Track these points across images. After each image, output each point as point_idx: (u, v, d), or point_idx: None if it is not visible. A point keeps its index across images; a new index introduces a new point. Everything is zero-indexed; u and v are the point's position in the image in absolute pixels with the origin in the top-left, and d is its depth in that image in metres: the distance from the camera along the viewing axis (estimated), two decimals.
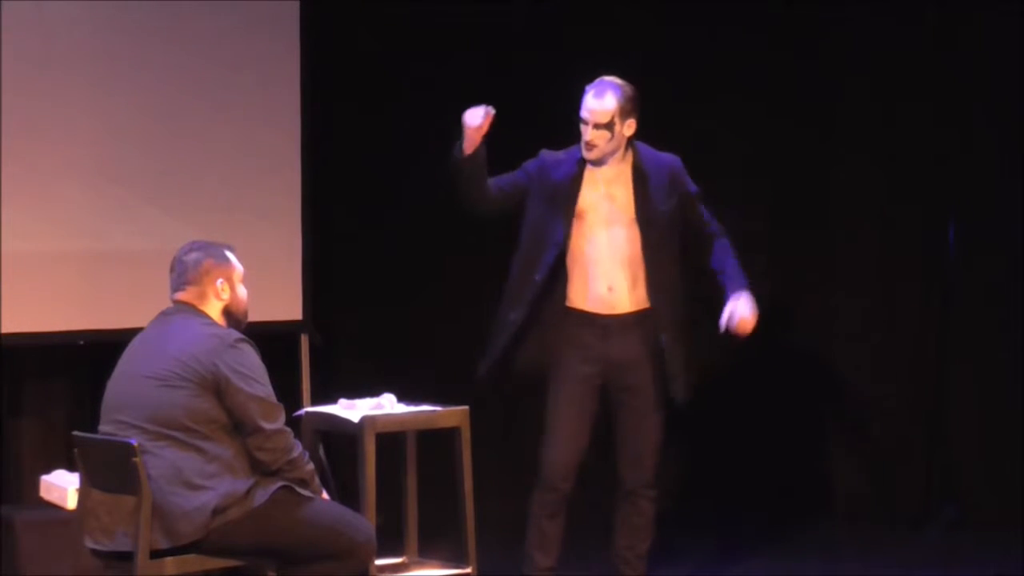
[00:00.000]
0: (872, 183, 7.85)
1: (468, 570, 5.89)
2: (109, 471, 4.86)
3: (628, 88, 5.75)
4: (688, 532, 7.38)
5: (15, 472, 6.94)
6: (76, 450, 5.03)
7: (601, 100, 5.70)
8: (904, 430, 7.79)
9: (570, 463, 5.79)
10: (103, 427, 4.97)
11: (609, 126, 5.70)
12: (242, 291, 5.11)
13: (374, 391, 5.98)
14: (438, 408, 5.91)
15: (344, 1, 7.68)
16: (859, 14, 7.76)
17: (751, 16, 7.90)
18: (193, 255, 5.05)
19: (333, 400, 5.95)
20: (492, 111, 5.65)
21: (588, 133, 5.74)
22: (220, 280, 5.05)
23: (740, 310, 5.77)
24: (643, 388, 5.79)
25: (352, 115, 7.77)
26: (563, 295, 5.81)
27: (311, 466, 5.00)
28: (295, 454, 4.94)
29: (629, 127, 5.75)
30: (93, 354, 6.83)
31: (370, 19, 7.78)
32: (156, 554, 4.78)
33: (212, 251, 5.08)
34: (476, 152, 5.67)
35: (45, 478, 6.16)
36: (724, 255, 5.89)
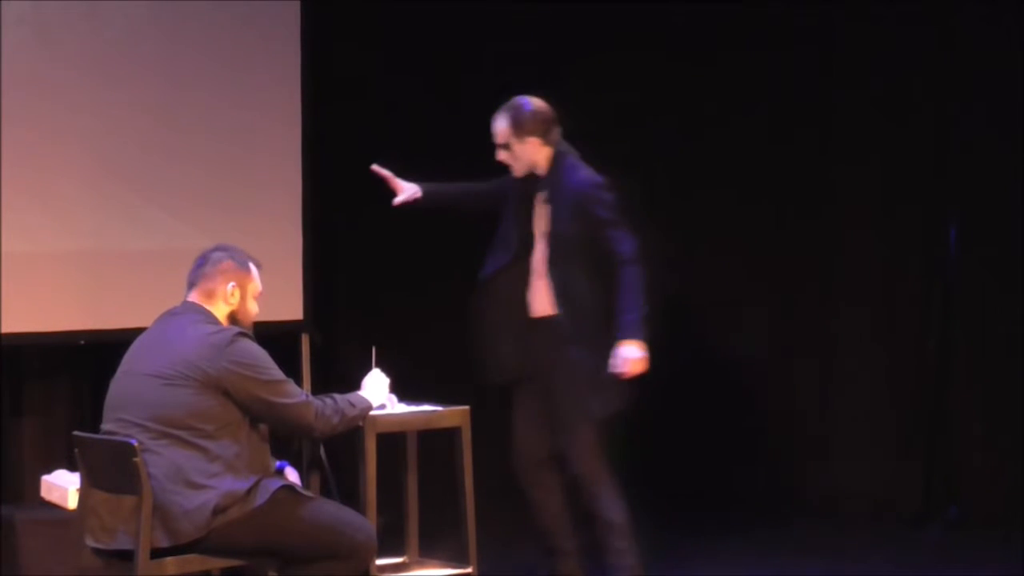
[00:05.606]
0: (872, 183, 7.84)
1: (469, 570, 5.89)
2: (110, 470, 4.87)
3: (524, 109, 5.88)
4: (687, 533, 7.38)
5: (15, 472, 6.94)
6: (77, 450, 5.03)
7: (495, 123, 5.92)
8: (904, 430, 7.79)
9: (532, 457, 5.97)
10: (105, 425, 4.98)
11: (506, 146, 5.90)
12: (253, 306, 5.13)
13: None
14: (439, 408, 5.91)
15: (344, 1, 7.67)
16: (860, 15, 7.76)
17: (751, 18, 7.90)
18: (217, 253, 5.11)
19: None
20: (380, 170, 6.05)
21: (497, 152, 5.96)
22: (232, 283, 5.05)
23: (629, 354, 5.72)
24: (555, 395, 5.89)
25: (352, 115, 7.77)
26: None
27: (343, 406, 5.19)
28: (328, 416, 5.11)
29: (531, 144, 5.89)
30: (94, 354, 6.83)
31: (370, 19, 7.78)
32: (157, 553, 4.78)
33: (236, 255, 5.12)
34: (425, 196, 6.08)
35: (46, 478, 6.15)
36: (625, 290, 5.79)
